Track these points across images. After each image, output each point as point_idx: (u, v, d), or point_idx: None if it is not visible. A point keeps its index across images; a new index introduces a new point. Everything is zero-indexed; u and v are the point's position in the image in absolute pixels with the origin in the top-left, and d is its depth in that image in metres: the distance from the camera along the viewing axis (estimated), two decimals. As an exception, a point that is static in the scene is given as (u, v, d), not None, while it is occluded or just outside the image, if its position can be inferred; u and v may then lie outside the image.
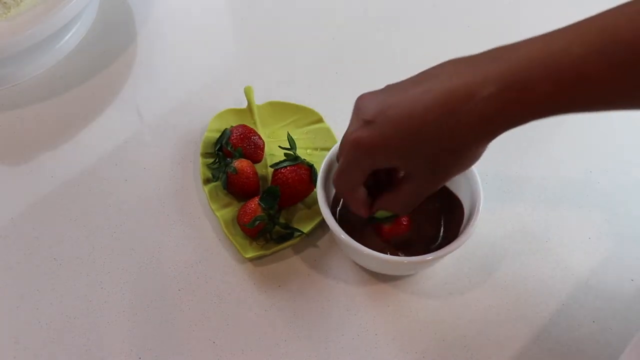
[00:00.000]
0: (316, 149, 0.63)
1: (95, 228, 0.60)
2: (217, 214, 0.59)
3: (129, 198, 0.62)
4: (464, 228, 0.52)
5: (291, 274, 0.57)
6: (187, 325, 0.54)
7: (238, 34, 0.79)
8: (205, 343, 0.53)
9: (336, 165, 0.56)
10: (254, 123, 0.66)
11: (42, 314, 0.55)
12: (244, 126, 0.62)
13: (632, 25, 0.36)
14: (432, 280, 0.56)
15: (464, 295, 0.55)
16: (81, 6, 0.70)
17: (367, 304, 0.55)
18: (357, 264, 0.56)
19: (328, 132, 0.64)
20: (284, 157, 0.58)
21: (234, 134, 0.61)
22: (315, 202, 0.54)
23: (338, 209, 0.57)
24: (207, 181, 0.61)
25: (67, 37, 0.75)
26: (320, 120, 0.65)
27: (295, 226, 0.57)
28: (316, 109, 0.66)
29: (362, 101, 0.48)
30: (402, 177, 0.49)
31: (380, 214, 0.51)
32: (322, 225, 0.58)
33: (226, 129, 0.62)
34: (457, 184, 0.56)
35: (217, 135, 0.63)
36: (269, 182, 0.60)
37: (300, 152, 0.60)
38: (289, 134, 0.60)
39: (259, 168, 0.61)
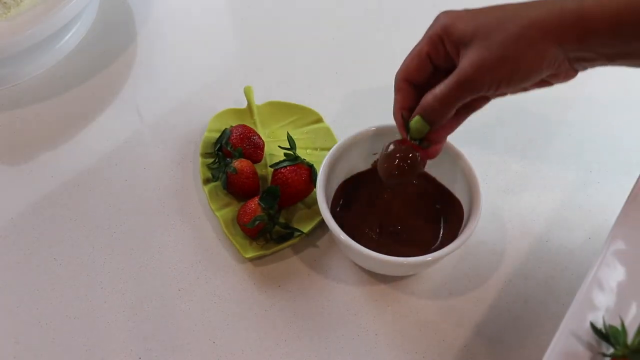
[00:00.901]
0: (316, 148, 0.63)
1: (95, 228, 0.60)
2: (217, 214, 0.59)
3: (129, 198, 0.62)
4: (464, 228, 0.52)
5: (291, 274, 0.57)
6: (187, 325, 0.54)
7: (238, 34, 0.79)
8: (205, 343, 0.53)
9: (336, 165, 0.57)
10: (254, 123, 0.66)
11: (42, 314, 0.55)
12: (244, 126, 0.62)
13: None
14: (432, 281, 0.56)
15: (464, 295, 0.55)
16: (81, 6, 0.70)
17: (367, 304, 0.55)
18: (357, 264, 0.56)
19: (328, 132, 0.65)
20: (284, 157, 0.58)
21: (234, 134, 0.61)
22: (315, 202, 0.54)
23: (338, 209, 0.57)
24: (207, 181, 0.61)
25: (67, 37, 0.75)
26: (320, 120, 0.66)
27: (295, 226, 0.57)
28: (316, 109, 0.66)
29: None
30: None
31: (414, 124, 0.49)
32: (322, 225, 0.58)
33: (226, 129, 0.62)
34: (456, 184, 0.56)
35: (217, 135, 0.63)
36: (269, 182, 0.60)
37: (300, 152, 0.60)
38: (288, 134, 0.60)
39: (258, 168, 0.61)
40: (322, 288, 0.56)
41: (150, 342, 0.53)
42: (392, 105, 0.51)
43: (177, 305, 0.55)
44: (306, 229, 0.57)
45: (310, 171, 0.58)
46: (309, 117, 0.66)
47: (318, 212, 0.55)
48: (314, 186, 0.57)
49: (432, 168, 0.58)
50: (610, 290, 0.43)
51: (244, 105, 0.67)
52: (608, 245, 0.45)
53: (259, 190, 0.59)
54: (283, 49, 0.75)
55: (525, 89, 0.47)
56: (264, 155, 0.63)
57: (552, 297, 0.55)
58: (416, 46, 0.49)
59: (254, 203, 0.56)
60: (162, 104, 0.70)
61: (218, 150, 0.62)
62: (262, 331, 0.53)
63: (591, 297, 0.43)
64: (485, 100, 0.49)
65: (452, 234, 0.54)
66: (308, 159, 0.59)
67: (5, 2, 0.69)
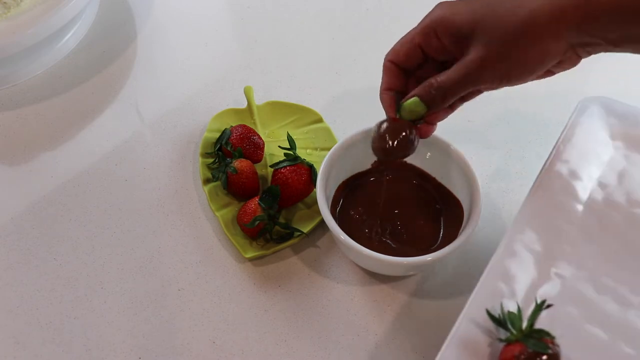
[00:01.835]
0: (316, 148, 0.63)
1: (95, 228, 0.60)
2: (217, 214, 0.59)
3: (129, 198, 0.62)
4: (464, 228, 0.52)
5: (291, 274, 0.57)
6: (187, 325, 0.54)
7: (238, 34, 0.79)
8: (205, 343, 0.53)
9: (336, 166, 0.57)
10: (254, 123, 0.66)
11: (42, 314, 0.55)
12: (244, 126, 0.62)
13: None
14: (432, 281, 0.56)
15: (464, 295, 0.55)
16: (81, 6, 0.70)
17: (367, 304, 0.55)
18: (357, 264, 0.56)
19: (328, 132, 0.65)
20: (284, 157, 0.59)
21: (234, 134, 0.61)
22: (315, 202, 0.54)
23: (338, 209, 0.57)
24: (206, 181, 0.61)
25: (67, 37, 0.75)
26: (320, 120, 0.66)
27: (295, 226, 0.57)
28: (316, 109, 0.66)
29: None
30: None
31: (410, 105, 0.49)
32: (322, 225, 0.58)
33: (226, 128, 0.62)
34: (456, 185, 0.56)
35: (217, 135, 0.63)
36: (269, 182, 0.60)
37: (300, 152, 0.60)
38: (288, 134, 0.60)
39: (258, 168, 0.61)
40: (322, 288, 0.56)
41: (150, 342, 0.53)
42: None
43: (177, 305, 0.55)
44: (306, 229, 0.57)
45: (310, 171, 0.58)
46: (309, 117, 0.66)
47: (318, 212, 0.56)
48: (314, 186, 0.57)
49: (432, 168, 0.58)
50: (510, 278, 0.45)
51: (244, 105, 0.67)
52: (509, 235, 0.47)
53: (259, 190, 0.59)
54: (283, 49, 0.75)
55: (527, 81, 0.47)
56: (264, 155, 0.63)
57: (552, 297, 0.55)
58: (409, 33, 0.50)
59: (254, 203, 0.56)
60: (162, 104, 0.70)
61: (218, 150, 0.62)
62: (262, 331, 0.53)
63: (491, 285, 0.44)
64: (479, 91, 0.50)
65: (452, 234, 0.54)
66: (308, 159, 0.59)
67: (5, 2, 0.69)
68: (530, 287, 0.45)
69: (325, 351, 0.52)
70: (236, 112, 0.66)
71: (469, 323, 0.43)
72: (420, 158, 0.58)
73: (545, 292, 0.45)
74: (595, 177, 0.51)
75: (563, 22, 0.42)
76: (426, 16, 0.49)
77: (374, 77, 0.71)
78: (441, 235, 0.56)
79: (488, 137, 0.66)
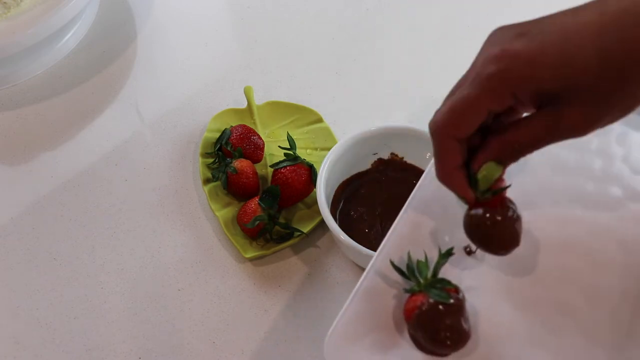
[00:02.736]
0: (316, 148, 0.63)
1: (95, 228, 0.60)
2: (217, 214, 0.59)
3: (129, 198, 0.62)
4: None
5: (291, 274, 0.57)
6: (187, 325, 0.54)
7: (238, 34, 0.79)
8: (205, 343, 0.53)
9: (336, 165, 0.57)
10: (254, 123, 0.66)
11: (42, 314, 0.55)
12: (244, 126, 0.62)
13: None
14: (432, 280, 0.56)
15: (463, 295, 0.55)
16: (81, 6, 0.70)
17: (367, 304, 0.55)
18: (357, 264, 0.56)
19: (328, 132, 0.64)
20: (284, 157, 0.59)
21: (234, 134, 0.61)
22: (315, 202, 0.54)
23: (338, 209, 0.57)
24: (206, 181, 0.61)
25: (67, 37, 0.75)
26: (320, 120, 0.65)
27: (295, 226, 0.57)
28: (316, 109, 0.66)
29: (496, 30, 0.38)
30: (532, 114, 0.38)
31: (488, 173, 0.39)
32: (322, 225, 0.58)
33: (226, 129, 0.62)
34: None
35: (217, 135, 0.63)
36: (269, 182, 0.60)
37: (300, 152, 0.60)
38: (288, 134, 0.60)
39: (258, 168, 0.61)
40: (322, 288, 0.56)
41: (150, 342, 0.53)
42: (432, 166, 0.42)
43: (177, 305, 0.55)
44: (306, 229, 0.57)
45: (310, 171, 0.58)
46: (309, 117, 0.66)
47: (318, 212, 0.55)
48: (314, 186, 0.57)
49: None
50: (417, 227, 0.44)
51: (244, 105, 0.67)
52: (417, 188, 0.46)
53: (259, 190, 0.59)
54: (283, 49, 0.75)
55: None
56: (264, 155, 0.63)
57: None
58: (468, 96, 0.37)
59: (254, 203, 0.56)
60: (162, 104, 0.70)
61: (218, 150, 0.62)
62: (262, 331, 0.53)
63: (399, 236, 0.43)
64: None
65: (452, 234, 0.53)
66: (308, 159, 0.59)
67: (5, 2, 0.69)
68: (437, 235, 0.43)
69: (325, 351, 0.52)
70: (236, 112, 0.66)
71: (376, 275, 0.41)
72: (420, 158, 0.58)
73: (453, 240, 0.43)
74: None
75: None
76: (486, 64, 0.37)
77: (374, 77, 0.71)
78: (441, 235, 0.56)
79: (488, 137, 0.66)
